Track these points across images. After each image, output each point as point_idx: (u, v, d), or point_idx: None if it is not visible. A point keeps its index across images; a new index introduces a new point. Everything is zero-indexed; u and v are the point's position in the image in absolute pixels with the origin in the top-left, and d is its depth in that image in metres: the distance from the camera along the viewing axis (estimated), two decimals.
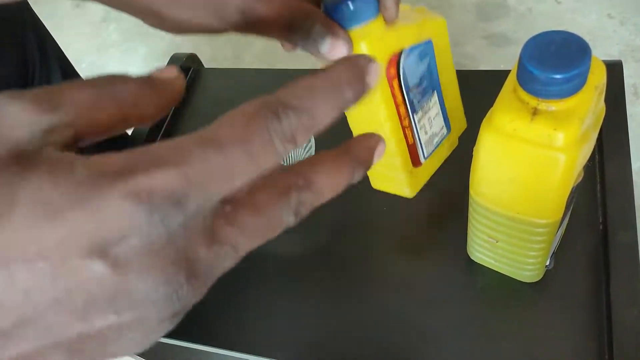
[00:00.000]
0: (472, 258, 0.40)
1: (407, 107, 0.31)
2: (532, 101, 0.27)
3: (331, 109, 0.17)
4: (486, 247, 0.37)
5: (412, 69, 0.30)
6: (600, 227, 0.40)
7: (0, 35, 0.51)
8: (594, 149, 0.43)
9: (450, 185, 0.44)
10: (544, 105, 0.26)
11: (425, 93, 0.32)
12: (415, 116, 0.32)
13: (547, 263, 0.37)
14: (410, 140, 0.32)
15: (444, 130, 0.35)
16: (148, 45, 1.34)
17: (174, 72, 0.17)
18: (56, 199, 0.13)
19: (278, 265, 0.45)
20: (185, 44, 1.32)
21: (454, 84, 0.36)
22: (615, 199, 0.40)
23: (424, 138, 0.33)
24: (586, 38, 1.11)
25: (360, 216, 0.45)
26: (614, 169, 0.41)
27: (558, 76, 0.25)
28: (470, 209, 0.35)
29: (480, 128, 0.29)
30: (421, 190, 0.45)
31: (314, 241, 0.45)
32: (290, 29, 0.26)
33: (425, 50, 0.31)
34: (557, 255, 0.39)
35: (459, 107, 0.37)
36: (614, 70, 0.46)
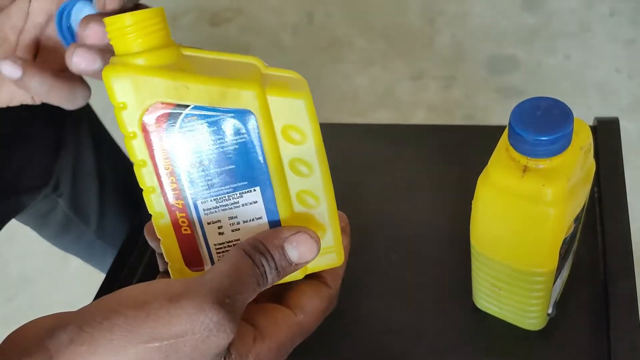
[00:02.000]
0: (478, 306, 0.42)
1: (169, 182, 0.25)
2: (522, 160, 0.29)
3: None
4: (490, 295, 0.39)
5: (185, 141, 0.24)
6: (602, 277, 0.41)
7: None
8: (595, 202, 0.45)
9: (456, 234, 0.46)
10: (533, 163, 0.29)
11: (224, 183, 0.26)
12: (197, 204, 0.26)
13: (550, 311, 0.38)
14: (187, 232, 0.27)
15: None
16: None
17: None
18: None
19: None
20: None
21: (327, 191, 0.27)
22: (615, 250, 0.41)
23: (214, 240, 0.27)
24: (595, 91, 1.15)
25: (367, 262, 0.47)
26: (613, 222, 0.43)
27: (544, 138, 0.28)
28: (472, 258, 0.37)
29: (477, 182, 0.32)
30: (428, 239, 0.47)
31: None
32: None
33: (225, 121, 0.24)
34: (559, 304, 0.40)
35: (335, 231, 0.28)
36: (611, 127, 0.49)
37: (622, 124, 1.13)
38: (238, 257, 0.25)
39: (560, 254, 0.32)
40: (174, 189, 0.26)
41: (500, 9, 1.35)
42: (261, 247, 0.26)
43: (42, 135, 0.54)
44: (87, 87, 0.33)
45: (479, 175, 0.32)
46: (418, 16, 1.40)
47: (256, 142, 0.24)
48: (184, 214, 0.26)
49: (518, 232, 0.31)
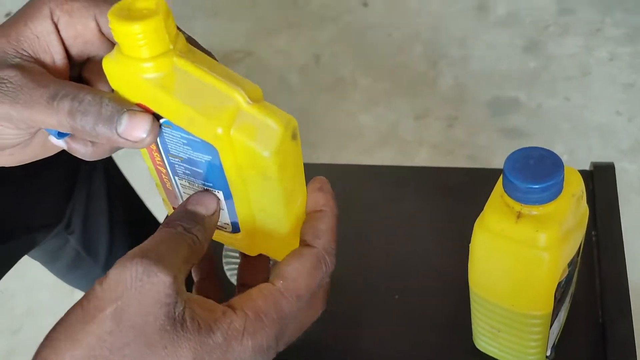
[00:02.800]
0: (478, 347, 0.42)
1: (162, 155, 0.28)
2: (516, 206, 0.31)
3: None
4: (489, 337, 0.40)
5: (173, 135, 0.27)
6: (600, 319, 0.42)
7: None
8: (592, 245, 0.46)
9: (456, 275, 0.47)
10: (526, 209, 0.30)
11: (196, 177, 0.29)
12: (176, 178, 0.30)
13: (548, 354, 0.39)
14: (168, 185, 0.31)
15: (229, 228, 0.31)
16: None
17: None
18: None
19: None
20: None
21: (279, 217, 0.29)
22: (612, 291, 0.42)
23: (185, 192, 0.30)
24: (596, 133, 1.17)
25: (369, 302, 0.48)
26: (610, 264, 0.44)
27: (536, 186, 0.29)
28: (471, 300, 0.38)
29: (474, 226, 0.33)
30: (429, 279, 0.48)
31: (316, 330, 0.48)
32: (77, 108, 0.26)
33: (194, 140, 0.26)
34: (558, 346, 0.41)
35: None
36: (607, 172, 0.50)
37: (623, 165, 1.15)
38: (158, 230, 0.28)
39: (555, 298, 0.33)
40: (164, 173, 0.30)
41: (501, 52, 1.39)
42: (172, 216, 0.28)
43: (56, 175, 0.55)
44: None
45: (478, 213, 0.34)
46: (422, 59, 1.44)
47: (219, 164, 0.26)
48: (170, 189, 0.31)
49: (514, 275, 0.32)
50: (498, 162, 1.30)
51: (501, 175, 0.32)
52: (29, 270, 1.24)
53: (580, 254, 0.37)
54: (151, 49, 0.24)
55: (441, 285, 0.47)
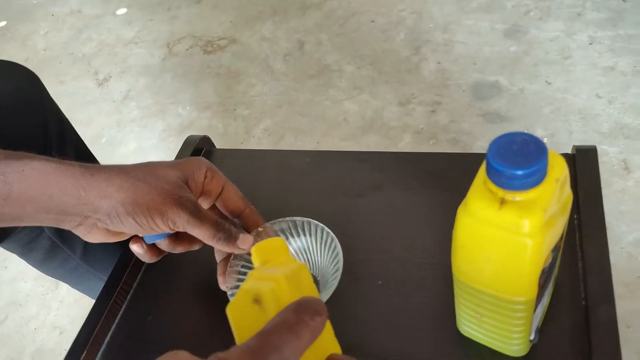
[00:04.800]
0: (461, 332, 0.42)
1: None
2: (500, 192, 0.30)
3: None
4: (473, 322, 0.40)
5: None
6: (583, 302, 0.42)
7: (24, 123, 0.57)
8: (575, 229, 0.47)
9: (440, 260, 0.47)
10: (510, 196, 0.30)
11: None
12: None
13: (532, 338, 0.39)
14: None
15: None
16: (165, 121, 1.42)
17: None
18: None
19: None
20: (199, 120, 1.40)
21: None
22: (595, 275, 0.42)
23: None
24: (577, 116, 1.18)
25: (352, 287, 0.48)
26: (592, 247, 0.44)
27: (520, 172, 0.29)
28: (454, 285, 0.38)
29: (457, 213, 0.33)
30: (413, 264, 0.48)
31: None
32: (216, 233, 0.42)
33: None
34: (542, 330, 0.41)
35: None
36: (589, 155, 0.50)
37: (603, 148, 1.16)
38: None
39: (539, 283, 0.33)
40: None
41: (483, 37, 1.39)
42: None
43: None
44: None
45: (461, 200, 0.33)
46: (405, 45, 1.44)
47: None
48: None
49: (497, 261, 0.32)
50: (480, 146, 1.30)
51: (484, 161, 0.32)
52: (11, 261, 1.23)
53: (563, 238, 0.37)
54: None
55: (424, 269, 0.47)
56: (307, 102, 1.36)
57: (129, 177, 0.39)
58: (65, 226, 0.40)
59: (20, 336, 1.08)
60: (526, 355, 0.40)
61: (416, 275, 0.48)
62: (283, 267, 0.33)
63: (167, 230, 0.41)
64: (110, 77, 1.61)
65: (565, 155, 0.54)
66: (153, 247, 0.45)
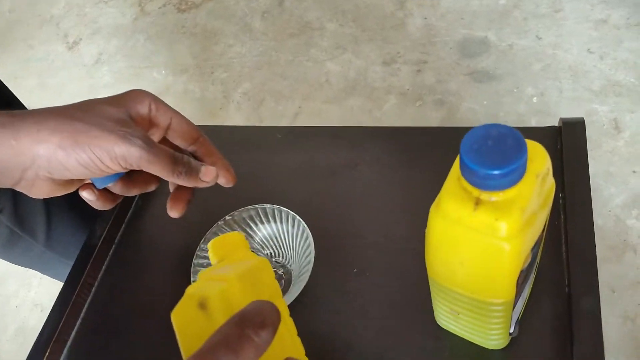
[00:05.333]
0: (439, 324, 0.40)
1: None
2: (475, 191, 0.27)
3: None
4: (450, 318, 0.38)
5: None
6: (566, 290, 0.40)
7: None
8: (559, 209, 0.44)
9: (418, 246, 0.44)
10: (485, 195, 0.27)
11: None
12: None
13: (511, 331, 0.37)
14: None
15: None
16: (139, 86, 1.37)
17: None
18: None
19: None
20: (175, 85, 1.34)
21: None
22: (579, 263, 0.40)
23: None
24: (568, 73, 1.13)
25: (326, 275, 0.46)
26: (577, 230, 0.42)
27: (495, 172, 0.26)
28: (430, 282, 0.35)
29: (429, 212, 0.30)
30: (389, 251, 0.45)
31: None
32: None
33: None
34: (523, 320, 0.39)
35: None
36: (576, 129, 0.47)
37: (594, 107, 1.13)
38: None
39: (517, 283, 0.30)
40: None
41: None
42: None
43: None
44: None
45: (443, 180, 0.30)
46: None
47: None
48: None
49: (473, 264, 0.30)
50: (467, 107, 1.26)
51: (457, 157, 0.28)
52: None
53: (545, 229, 0.34)
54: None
55: (401, 256, 0.45)
56: (288, 63, 1.30)
57: (64, 117, 0.35)
58: (6, 184, 0.36)
59: (2, 314, 1.07)
60: (506, 347, 0.39)
61: (393, 261, 0.45)
62: (239, 265, 0.31)
63: (118, 170, 0.37)
64: (81, 39, 1.53)
65: (550, 128, 0.50)
66: (106, 193, 0.41)
